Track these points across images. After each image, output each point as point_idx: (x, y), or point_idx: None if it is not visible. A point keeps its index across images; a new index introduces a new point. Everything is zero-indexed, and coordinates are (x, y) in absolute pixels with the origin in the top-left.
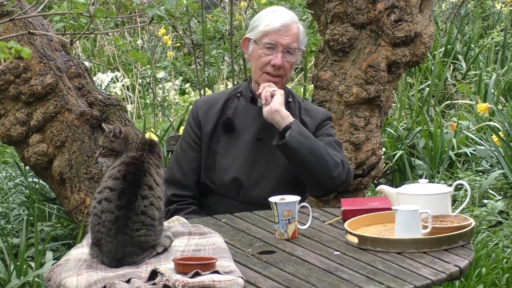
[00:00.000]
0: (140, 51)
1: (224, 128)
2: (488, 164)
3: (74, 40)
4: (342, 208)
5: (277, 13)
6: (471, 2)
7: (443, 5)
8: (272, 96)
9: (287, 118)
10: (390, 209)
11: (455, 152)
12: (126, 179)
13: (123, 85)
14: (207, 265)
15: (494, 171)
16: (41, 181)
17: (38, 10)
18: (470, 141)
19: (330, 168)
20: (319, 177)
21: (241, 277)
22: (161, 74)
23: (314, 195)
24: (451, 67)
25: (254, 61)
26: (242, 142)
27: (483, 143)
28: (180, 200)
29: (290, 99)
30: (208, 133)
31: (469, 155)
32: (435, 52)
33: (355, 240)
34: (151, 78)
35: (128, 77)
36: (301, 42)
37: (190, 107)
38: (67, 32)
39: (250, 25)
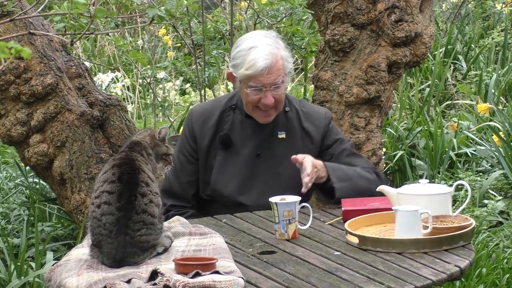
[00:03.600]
0: (140, 51)
1: (222, 144)
2: (489, 164)
3: (74, 40)
4: (343, 208)
5: (257, 51)
6: (472, 2)
7: (443, 5)
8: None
9: (323, 168)
10: (390, 209)
11: (456, 152)
12: (121, 180)
13: (123, 85)
14: (207, 265)
15: (494, 171)
16: (41, 181)
17: (39, 10)
18: (471, 141)
19: (371, 189)
20: None
21: (242, 277)
22: (161, 74)
23: None
24: (452, 67)
25: (243, 97)
26: (241, 159)
27: (483, 143)
28: (178, 210)
29: (288, 108)
30: (205, 148)
31: (470, 155)
32: (436, 52)
33: (355, 240)
34: (152, 78)
35: (129, 77)
36: (286, 69)
37: (190, 107)
38: (67, 32)
39: (231, 58)
